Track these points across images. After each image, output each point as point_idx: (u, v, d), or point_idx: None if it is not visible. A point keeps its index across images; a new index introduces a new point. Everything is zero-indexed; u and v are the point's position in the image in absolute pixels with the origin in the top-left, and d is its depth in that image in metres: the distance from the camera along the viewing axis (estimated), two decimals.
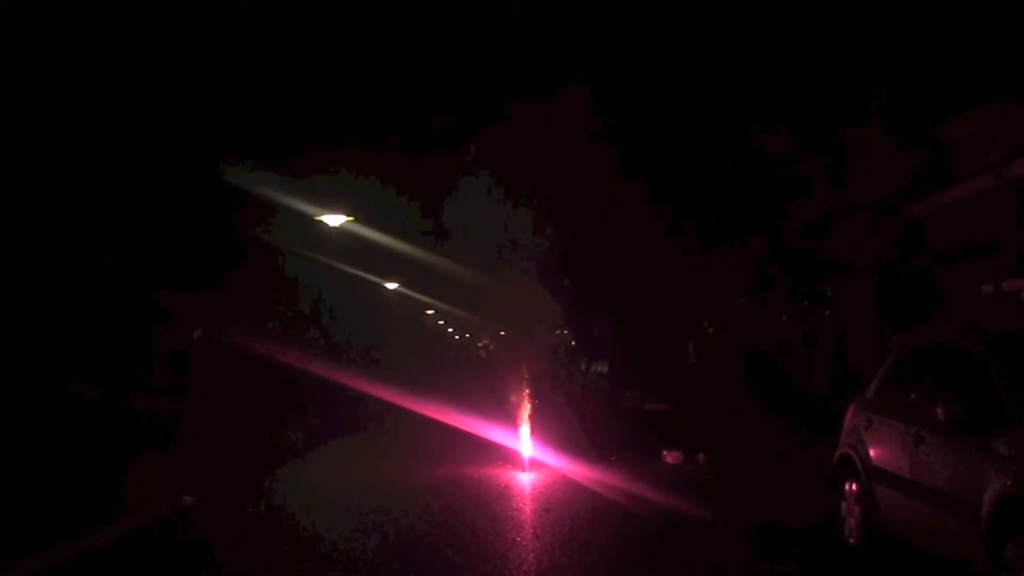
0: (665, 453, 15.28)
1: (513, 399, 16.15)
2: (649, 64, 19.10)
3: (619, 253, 20.74)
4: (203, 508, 10.69)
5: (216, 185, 18.79)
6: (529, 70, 19.74)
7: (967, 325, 8.66)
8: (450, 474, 13.56)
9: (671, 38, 18.62)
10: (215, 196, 18.62)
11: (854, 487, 8.16)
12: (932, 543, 6.94)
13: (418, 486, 12.43)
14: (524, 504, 11.55)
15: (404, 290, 39.44)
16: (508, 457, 14.89)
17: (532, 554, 8.52)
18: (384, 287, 38.63)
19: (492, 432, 15.73)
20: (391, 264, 31.94)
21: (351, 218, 25.71)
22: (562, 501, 11.54)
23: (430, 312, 52.51)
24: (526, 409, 15.66)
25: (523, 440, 15.21)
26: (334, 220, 25.35)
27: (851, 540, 8.19)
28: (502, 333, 24.50)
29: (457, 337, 60.61)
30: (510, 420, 15.80)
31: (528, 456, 14.69)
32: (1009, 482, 5.83)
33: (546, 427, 15.62)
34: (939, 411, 6.68)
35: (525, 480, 13.37)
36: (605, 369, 21.60)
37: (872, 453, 7.95)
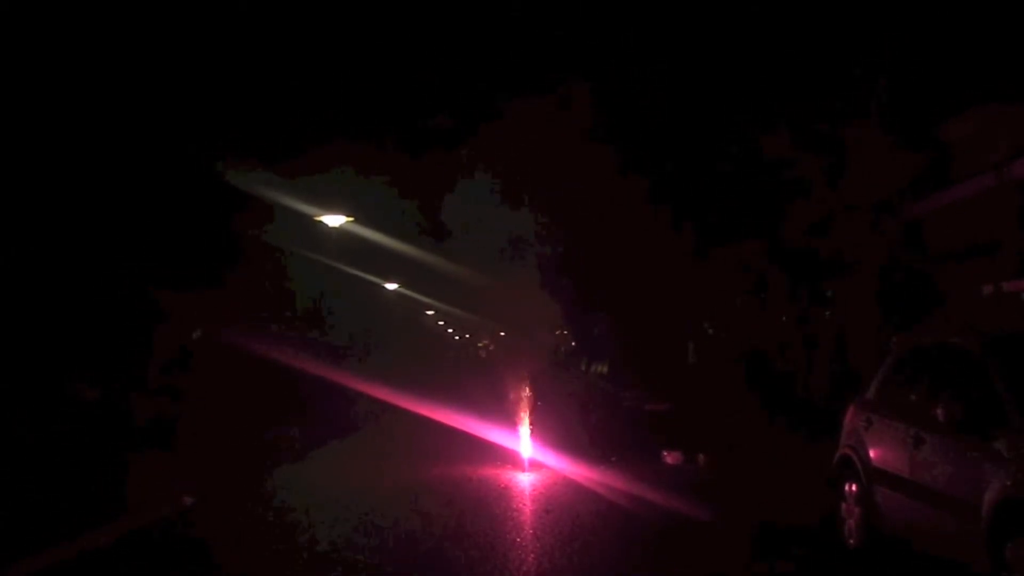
0: (665, 454, 15.27)
1: (513, 399, 16.14)
2: (649, 64, 19.10)
3: (619, 253, 20.74)
4: (203, 508, 10.68)
5: (216, 185, 18.81)
6: (529, 70, 19.74)
7: (967, 325, 8.65)
8: (450, 475, 13.55)
9: (671, 38, 18.62)
10: (215, 196, 18.64)
11: (854, 488, 8.16)
12: (932, 544, 6.93)
13: (418, 487, 12.42)
14: (524, 505, 11.55)
15: (404, 290, 39.48)
16: (508, 458, 14.88)
17: (532, 555, 8.52)
18: (384, 287, 38.67)
19: (492, 432, 15.72)
20: (391, 264, 31.98)
21: (351, 218, 25.74)
22: (562, 502, 11.53)
23: (430, 312, 52.58)
24: (526, 409, 15.64)
25: (523, 441, 15.20)
26: (334, 220, 25.38)
27: (851, 541, 8.19)
28: (502, 333, 24.48)
29: (457, 337, 60.68)
30: (510, 420, 15.79)
31: (528, 457, 14.68)
32: (1009, 483, 5.82)
33: (546, 428, 15.61)
34: (939, 411, 6.68)
35: (525, 481, 13.36)
36: (605, 369, 21.60)
37: (872, 454, 7.95)
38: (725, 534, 9.30)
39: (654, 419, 16.80)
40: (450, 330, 62.41)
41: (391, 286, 39.23)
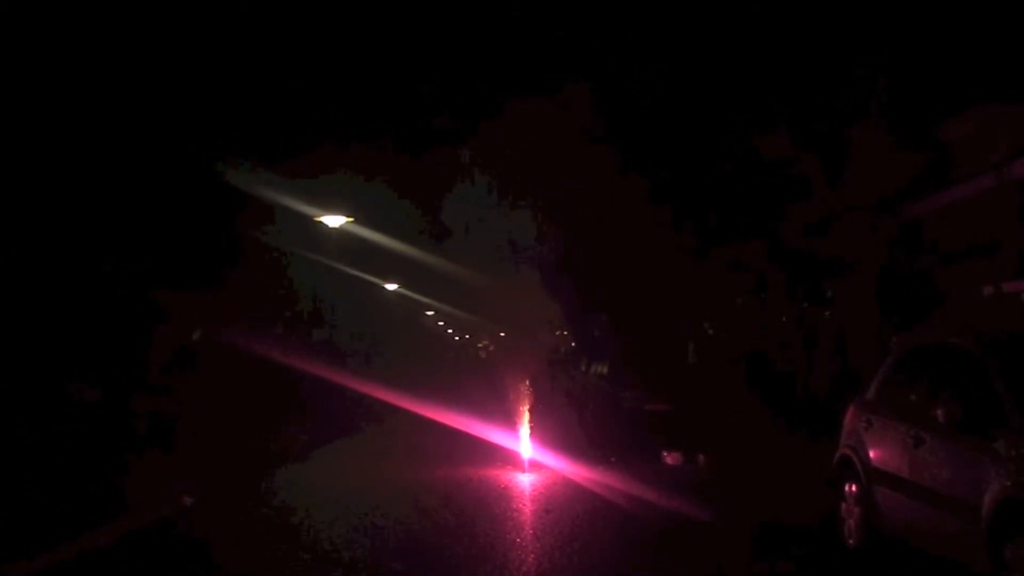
0: (665, 454, 15.27)
1: (513, 400, 16.14)
2: (649, 64, 19.10)
3: (619, 253, 20.74)
4: (203, 508, 10.68)
5: (216, 186, 18.81)
6: (529, 70, 19.74)
7: (967, 325, 8.65)
8: (450, 475, 13.55)
9: (671, 38, 18.62)
10: (215, 197, 18.64)
11: (854, 488, 8.16)
12: (932, 544, 6.93)
13: (418, 487, 12.42)
14: (524, 505, 11.54)
15: (404, 291, 39.49)
16: (508, 458, 14.88)
17: (532, 555, 8.52)
18: (384, 288, 38.68)
19: (492, 433, 15.72)
20: (391, 265, 31.99)
21: (351, 219, 25.74)
22: (562, 502, 11.53)
23: (430, 313, 52.59)
24: (526, 410, 15.64)
25: (523, 441, 15.20)
26: (334, 221, 25.38)
27: (851, 541, 8.19)
28: (502, 334, 24.51)
29: (457, 338, 60.68)
30: (510, 421, 15.79)
31: (528, 457, 14.68)
32: (1009, 483, 5.82)
33: (546, 428, 15.61)
34: (939, 412, 6.68)
35: (525, 481, 13.36)
36: (605, 370, 21.58)
37: (872, 454, 7.95)
38: (725, 534, 9.31)
39: (654, 419, 16.80)
40: (450, 331, 62.42)
41: (391, 287, 39.24)
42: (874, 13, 16.29)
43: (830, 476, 8.80)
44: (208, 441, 13.53)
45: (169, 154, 17.18)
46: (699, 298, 22.18)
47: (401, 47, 20.90)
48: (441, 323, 59.72)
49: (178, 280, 16.75)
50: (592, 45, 19.29)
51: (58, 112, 15.15)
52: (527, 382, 16.27)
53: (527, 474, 13.92)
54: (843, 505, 8.37)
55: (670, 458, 15.17)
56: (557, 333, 24.75)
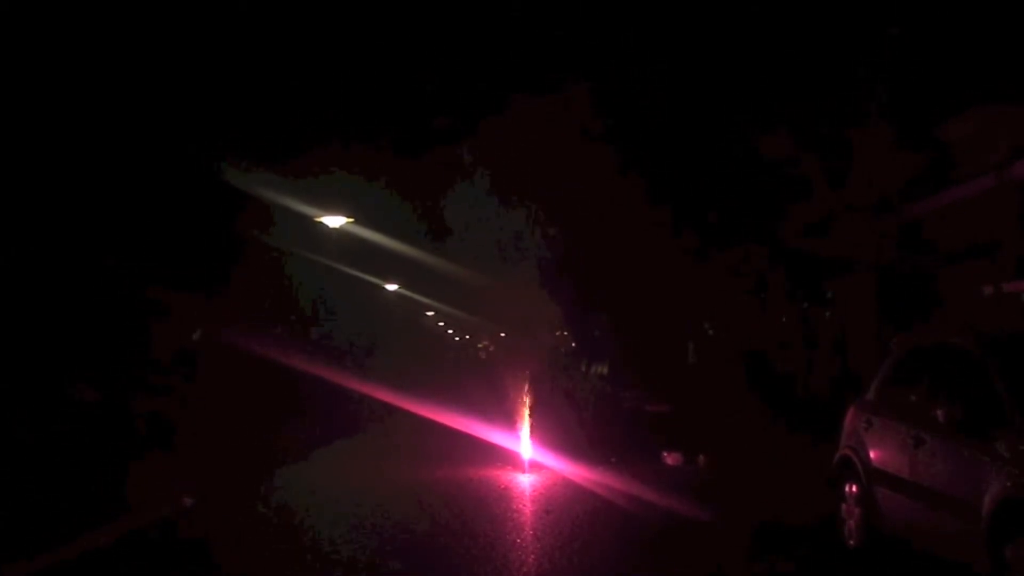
0: (665, 454, 15.27)
1: (513, 400, 16.13)
2: (649, 64, 19.09)
3: (619, 253, 20.72)
4: (203, 509, 10.68)
5: (216, 186, 18.81)
6: (529, 70, 19.73)
7: (967, 326, 8.65)
8: (450, 476, 13.55)
9: (671, 38, 18.61)
10: (215, 197, 18.64)
11: (854, 488, 8.16)
12: (932, 544, 6.93)
13: (418, 487, 12.43)
14: (524, 506, 11.55)
15: (404, 291, 39.48)
16: (508, 459, 14.88)
17: (532, 556, 8.52)
18: (384, 288, 38.67)
19: (492, 434, 15.72)
20: (391, 265, 31.98)
21: (351, 219, 25.73)
22: (562, 503, 11.53)
23: (430, 313, 52.58)
24: (526, 410, 15.63)
25: (523, 442, 15.20)
26: (334, 221, 25.37)
27: (851, 541, 8.19)
28: (502, 334, 24.47)
29: (457, 338, 60.63)
30: (510, 422, 15.78)
31: (528, 458, 14.68)
32: (1009, 483, 5.82)
33: (546, 429, 15.60)
34: (939, 412, 6.68)
35: (525, 482, 13.37)
36: (605, 370, 21.59)
37: (872, 454, 7.95)
38: (725, 535, 9.31)
39: (654, 420, 16.80)
40: (450, 331, 62.39)
41: (391, 287, 39.23)
42: (874, 13, 16.29)
43: (830, 476, 8.80)
44: (208, 441, 13.53)
45: (169, 154, 17.18)
46: (699, 298, 22.17)
47: (401, 47, 20.90)
48: (441, 323, 59.71)
49: (178, 280, 16.75)
50: (592, 45, 19.27)
51: (58, 112, 15.14)
52: (527, 382, 16.25)
53: (527, 474, 13.92)
54: (843, 505, 8.37)
55: (670, 458, 15.16)
56: (557, 333, 24.73)
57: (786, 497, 11.15)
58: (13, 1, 14.74)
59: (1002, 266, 15.42)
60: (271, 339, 22.40)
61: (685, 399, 17.13)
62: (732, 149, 18.62)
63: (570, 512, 10.75)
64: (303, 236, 24.84)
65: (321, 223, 25.31)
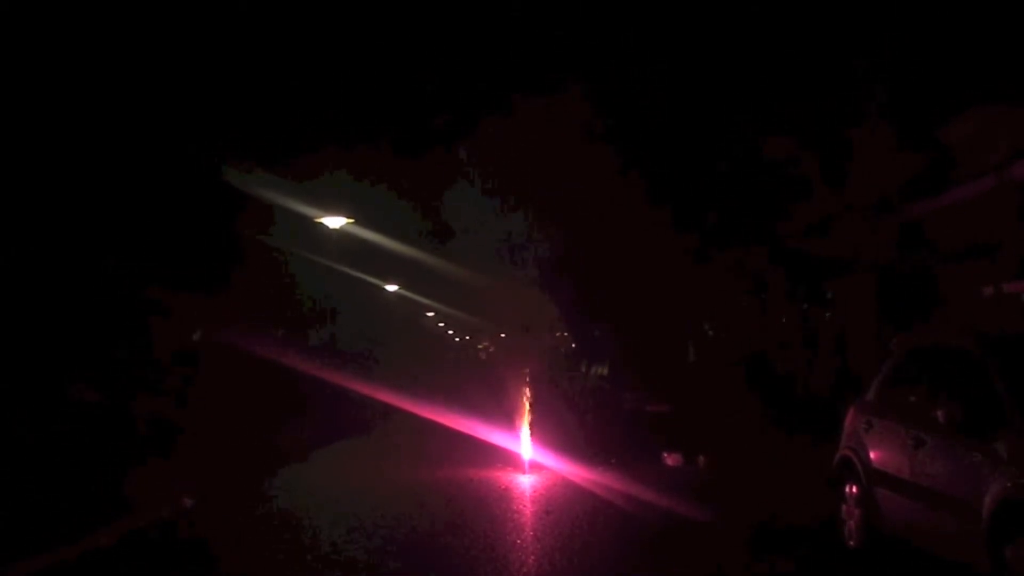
0: (665, 455, 15.26)
1: (513, 401, 16.15)
2: (649, 64, 19.09)
3: (619, 254, 20.73)
4: (203, 509, 10.68)
5: (216, 186, 18.81)
6: (529, 70, 19.74)
7: (967, 327, 8.65)
8: (450, 476, 13.56)
9: (671, 38, 18.61)
10: (215, 197, 18.64)
11: (854, 489, 8.16)
12: (932, 545, 6.93)
13: (418, 488, 12.43)
14: (524, 506, 11.55)
15: (404, 292, 39.49)
16: (508, 459, 14.88)
17: (532, 556, 8.52)
18: (384, 289, 38.67)
19: (492, 434, 15.72)
20: (391, 266, 31.98)
21: (351, 220, 25.72)
22: (562, 503, 11.53)
23: (430, 314, 52.59)
24: (526, 411, 15.64)
25: (523, 442, 15.20)
26: (334, 222, 25.36)
27: (851, 542, 8.19)
28: (502, 335, 24.51)
29: (457, 339, 60.69)
30: (510, 422, 15.79)
31: (528, 458, 14.68)
32: (1009, 484, 5.82)
33: (546, 429, 15.61)
34: (939, 413, 6.68)
35: (525, 482, 13.36)
36: (605, 371, 21.60)
37: (872, 455, 7.95)
38: (725, 535, 9.30)
39: (654, 420, 16.80)
40: (450, 332, 62.43)
41: (392, 288, 39.24)
42: (874, 13, 16.29)
43: (830, 477, 8.80)
44: (208, 442, 13.54)
45: (169, 155, 17.18)
46: (699, 299, 22.17)
47: (401, 48, 20.90)
48: (441, 324, 59.75)
49: (179, 280, 16.75)
50: (592, 45, 19.28)
51: (59, 113, 15.15)
52: (527, 383, 16.27)
53: (527, 475, 13.92)
54: (843, 506, 8.36)
55: (670, 459, 15.16)
56: (557, 334, 24.76)
57: (786, 497, 11.14)
58: (13, 1, 14.74)
59: (1002, 266, 15.41)
60: (271, 340, 22.42)
61: (685, 399, 17.12)
62: (732, 149, 18.63)
63: (570, 512, 10.75)
64: (303, 237, 24.84)
65: (321, 224, 25.31)
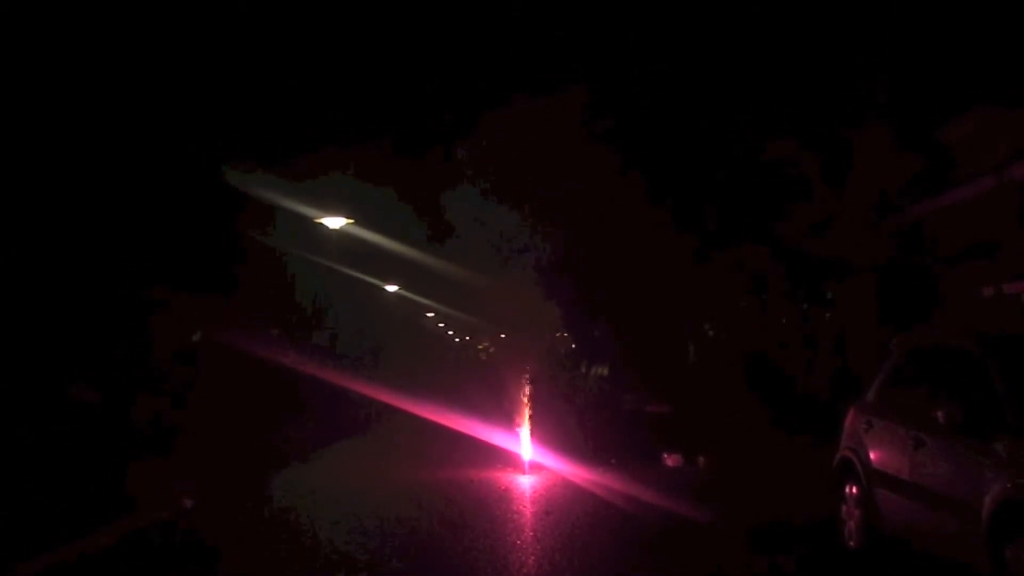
0: (665, 456, 15.27)
1: (513, 402, 16.14)
2: (649, 64, 19.08)
3: (619, 254, 20.72)
4: (203, 510, 10.68)
5: (217, 186, 18.81)
6: (529, 70, 19.73)
7: (967, 327, 8.65)
8: (450, 477, 13.56)
9: (671, 38, 18.61)
10: (215, 197, 18.64)
11: (854, 490, 8.16)
12: (932, 545, 6.93)
13: (419, 488, 12.43)
14: (524, 507, 11.55)
15: (404, 292, 39.49)
16: (508, 460, 14.88)
17: (532, 556, 8.52)
18: (384, 289, 38.67)
19: (492, 435, 15.72)
20: (391, 266, 31.98)
21: (351, 220, 25.72)
22: (562, 504, 11.53)
23: (430, 315, 52.59)
24: (526, 412, 15.63)
25: (523, 443, 15.19)
26: (334, 222, 25.36)
27: (851, 543, 8.19)
28: (502, 336, 24.50)
29: (457, 340, 60.63)
30: (510, 423, 15.78)
31: (528, 459, 14.68)
32: (1009, 485, 5.83)
33: (546, 430, 15.60)
34: (939, 413, 6.68)
35: (525, 483, 13.37)
36: (605, 371, 21.59)
37: (872, 456, 7.95)
38: (725, 536, 9.31)
39: (654, 421, 16.80)
40: (450, 332, 62.41)
41: (391, 288, 39.24)
42: (874, 14, 16.29)
43: (830, 478, 8.80)
44: (208, 442, 13.54)
45: (169, 155, 17.18)
46: (699, 299, 22.16)
47: (401, 48, 20.90)
48: (441, 325, 59.74)
49: (179, 280, 16.76)
50: (592, 45, 19.27)
51: (59, 113, 15.15)
52: (527, 384, 16.26)
53: (527, 476, 13.92)
54: (843, 507, 8.36)
55: (670, 460, 15.16)
56: (557, 334, 24.73)
57: (786, 498, 11.14)
58: (14, 1, 14.75)
59: (1002, 267, 15.42)
60: (271, 340, 22.41)
61: (685, 400, 17.12)
62: (732, 149, 18.63)
63: (570, 513, 10.76)
64: (303, 237, 24.85)
65: (321, 224, 25.31)
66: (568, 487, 12.86)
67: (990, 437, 6.18)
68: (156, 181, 16.87)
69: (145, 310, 16.44)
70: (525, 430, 15.33)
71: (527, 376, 16.47)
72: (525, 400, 15.95)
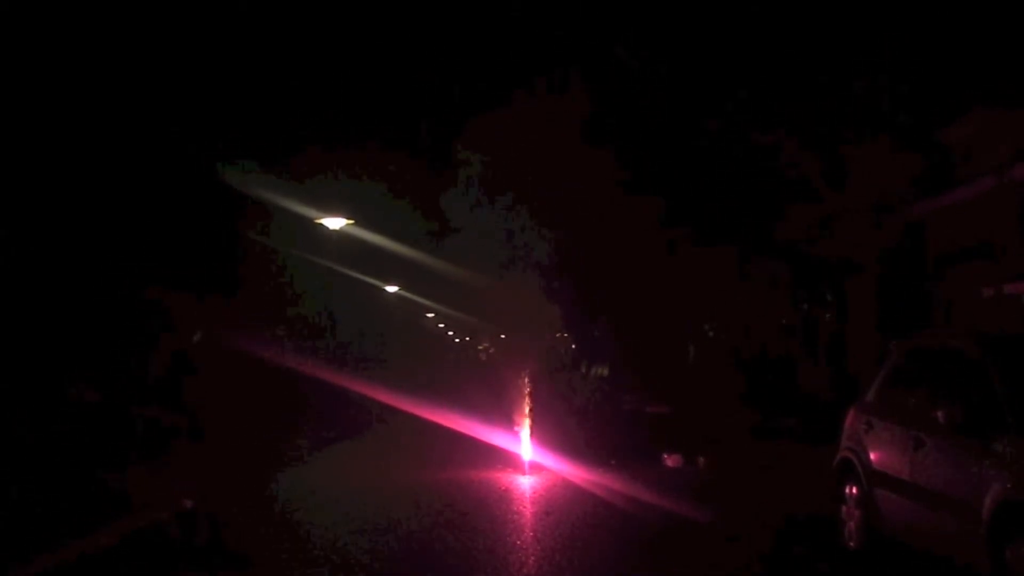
0: (665, 456, 15.25)
1: (513, 402, 16.11)
2: (650, 65, 19.10)
3: (619, 255, 20.73)
4: (203, 511, 10.66)
5: (216, 187, 18.82)
6: (528, 70, 19.73)
7: (967, 328, 8.66)
8: (451, 477, 13.55)
9: (672, 39, 18.62)
10: (215, 198, 18.66)
11: (854, 490, 8.15)
12: (933, 546, 6.93)
13: (419, 489, 12.42)
14: (524, 507, 11.54)
15: (404, 293, 39.48)
16: (508, 460, 14.86)
17: (533, 557, 8.52)
18: (384, 290, 38.67)
19: (492, 435, 15.70)
20: (391, 267, 31.97)
21: (351, 221, 25.71)
22: (562, 504, 11.52)
23: (430, 315, 52.58)
24: (526, 412, 15.61)
25: (523, 443, 15.18)
26: (334, 223, 25.36)
27: (851, 543, 8.18)
28: (502, 336, 24.48)
29: (457, 340, 60.64)
30: (510, 423, 15.77)
31: (528, 459, 14.66)
32: (1009, 485, 5.83)
33: (546, 430, 15.58)
34: (939, 414, 6.68)
35: (525, 483, 13.36)
36: (605, 372, 21.58)
37: (872, 456, 7.94)
38: (725, 536, 9.30)
39: (654, 421, 16.79)
40: (450, 332, 62.42)
41: (392, 289, 39.23)
42: (874, 14, 16.30)
43: (830, 479, 8.80)
44: (208, 442, 13.51)
45: (169, 156, 17.20)
46: (699, 300, 22.18)
47: (400, 48, 20.91)
48: (441, 325, 59.75)
49: (179, 281, 16.76)
50: (592, 45, 19.29)
51: (59, 114, 15.16)
52: (527, 384, 16.24)
53: (527, 476, 13.91)
54: (843, 507, 8.36)
55: (670, 460, 15.15)
56: (557, 335, 24.73)
57: (786, 498, 11.14)
58: (14, 3, 14.75)
59: (1003, 268, 15.43)
60: (271, 341, 22.40)
61: (685, 401, 17.11)
62: (733, 150, 18.64)
63: (570, 513, 10.75)
64: (303, 238, 24.84)
65: (321, 225, 25.30)
66: (568, 487, 12.84)
67: (990, 437, 6.18)
68: (156, 182, 16.88)
69: (145, 310, 16.43)
70: (525, 430, 15.31)
71: (527, 376, 16.45)
72: (525, 400, 15.93)
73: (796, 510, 10.25)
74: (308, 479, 13.66)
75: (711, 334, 25.39)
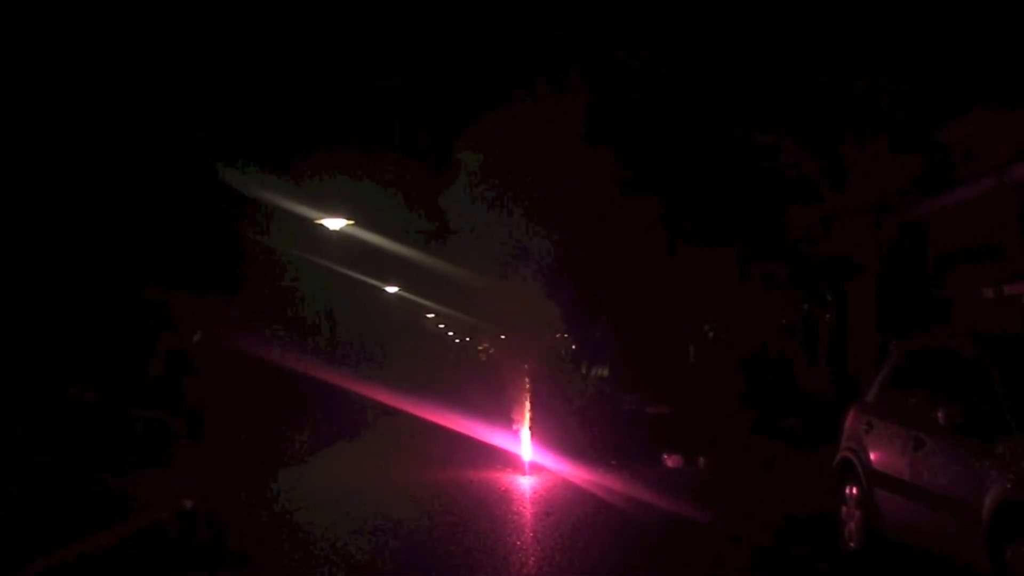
0: (665, 456, 15.25)
1: (513, 403, 16.12)
2: (650, 66, 19.10)
3: (619, 255, 20.73)
4: (203, 511, 10.66)
5: (216, 188, 18.83)
6: (528, 70, 19.74)
7: (967, 328, 8.65)
8: (451, 477, 13.55)
9: (671, 39, 18.62)
10: (215, 199, 18.67)
11: (854, 491, 8.15)
12: (933, 546, 6.93)
13: (419, 489, 12.42)
14: (525, 508, 11.54)
15: (404, 293, 39.48)
16: (508, 461, 14.87)
17: (533, 557, 8.52)
18: (385, 290, 38.67)
19: (492, 436, 15.71)
20: (391, 267, 31.97)
21: (351, 222, 25.71)
22: (562, 505, 11.53)
23: (430, 315, 52.57)
24: (526, 413, 15.62)
25: (523, 444, 15.18)
26: (334, 224, 25.35)
27: (852, 544, 8.18)
28: (502, 336, 24.48)
29: (457, 340, 60.64)
30: (510, 423, 15.77)
31: (528, 460, 14.67)
32: (1009, 485, 5.82)
33: (546, 431, 15.59)
34: (939, 414, 6.68)
35: (525, 484, 13.36)
36: (606, 373, 21.59)
37: (872, 457, 7.94)
38: (725, 536, 9.30)
39: (654, 422, 16.80)
40: (450, 333, 62.42)
41: (392, 289, 39.23)
42: (874, 14, 16.30)
43: (830, 479, 8.80)
44: (208, 443, 13.51)
45: (169, 156, 17.21)
46: (699, 300, 22.18)
47: (400, 48, 20.92)
48: (442, 325, 59.75)
49: (178, 281, 16.77)
50: (592, 45, 19.29)
51: (59, 114, 15.16)
52: (527, 384, 16.24)
53: (528, 476, 13.91)
54: (843, 507, 8.36)
55: (670, 460, 15.15)
56: (557, 336, 24.74)
57: (786, 499, 11.14)
58: (14, 3, 14.76)
59: (1003, 268, 15.42)
60: (271, 341, 22.38)
61: (685, 401, 17.12)
62: (733, 150, 18.64)
63: (570, 514, 10.75)
64: (303, 238, 24.84)
65: (321, 225, 25.30)
66: (568, 488, 12.85)
67: (990, 437, 6.18)
68: (156, 182, 16.88)
69: (144, 310, 16.44)
70: (525, 431, 15.32)
71: (527, 377, 16.45)
72: (525, 401, 15.94)
73: (796, 510, 10.25)
74: (308, 479, 13.66)
75: (711, 334, 25.38)
